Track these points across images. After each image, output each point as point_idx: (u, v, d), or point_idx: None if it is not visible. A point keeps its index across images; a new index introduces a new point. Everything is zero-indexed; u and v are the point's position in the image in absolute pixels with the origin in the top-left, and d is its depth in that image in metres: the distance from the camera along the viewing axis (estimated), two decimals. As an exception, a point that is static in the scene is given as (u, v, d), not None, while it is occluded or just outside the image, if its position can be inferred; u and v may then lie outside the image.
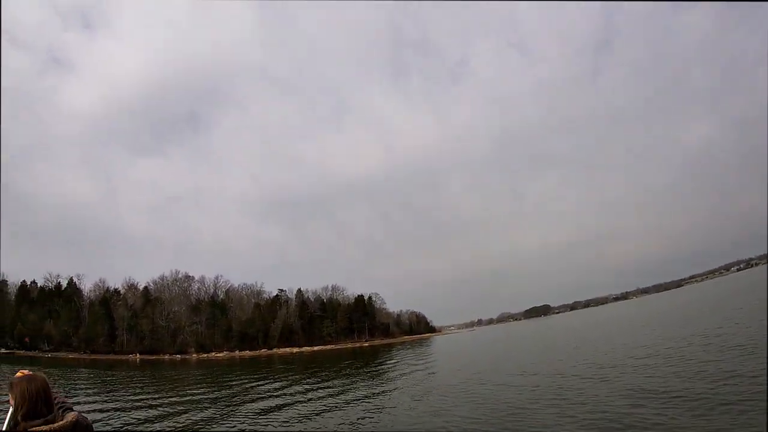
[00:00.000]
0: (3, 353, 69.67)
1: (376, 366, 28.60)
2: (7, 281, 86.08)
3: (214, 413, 12.26)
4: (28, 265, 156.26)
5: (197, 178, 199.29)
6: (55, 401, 2.59)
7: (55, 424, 2.32)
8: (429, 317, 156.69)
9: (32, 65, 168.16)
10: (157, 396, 18.11)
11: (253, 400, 14.67)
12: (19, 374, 2.53)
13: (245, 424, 10.63)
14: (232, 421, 11.02)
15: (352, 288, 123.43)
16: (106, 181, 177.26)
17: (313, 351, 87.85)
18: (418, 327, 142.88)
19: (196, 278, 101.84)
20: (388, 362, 31.23)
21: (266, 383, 22.41)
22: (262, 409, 12.87)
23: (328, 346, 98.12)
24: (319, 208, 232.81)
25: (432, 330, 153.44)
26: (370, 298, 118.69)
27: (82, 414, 2.55)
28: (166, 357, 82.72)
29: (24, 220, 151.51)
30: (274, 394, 16.91)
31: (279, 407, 12.70)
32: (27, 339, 77.73)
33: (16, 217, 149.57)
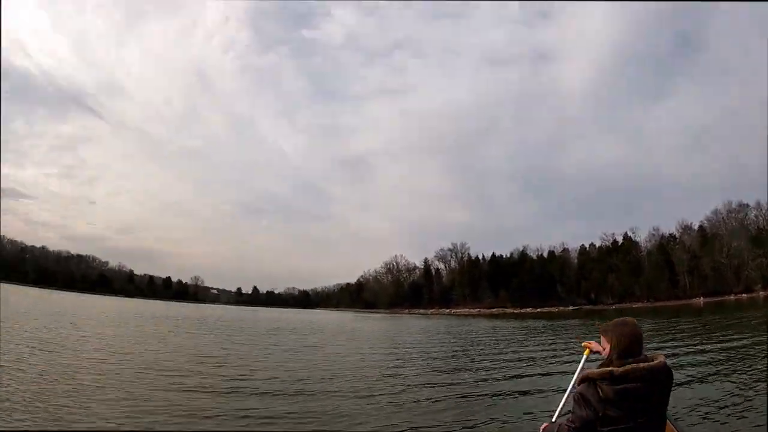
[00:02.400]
0: (571, 309, 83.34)
1: None
2: (568, 248, 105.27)
3: None
4: (583, 233, 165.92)
5: (718, 99, 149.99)
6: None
7: (654, 363, 2.48)
8: None
9: (522, 71, 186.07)
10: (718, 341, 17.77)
11: None
12: (612, 321, 2.74)
13: None
14: None
15: None
16: (629, 137, 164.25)
17: None
18: None
19: (752, 205, 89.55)
20: None
21: None
22: None
23: None
24: None
25: None
26: None
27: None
28: (732, 297, 78.03)
29: (570, 196, 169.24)
30: None
31: None
32: (592, 294, 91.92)
33: (562, 194, 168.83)
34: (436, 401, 9.15)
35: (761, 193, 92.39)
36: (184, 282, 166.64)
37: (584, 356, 3.38)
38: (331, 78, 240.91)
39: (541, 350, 18.69)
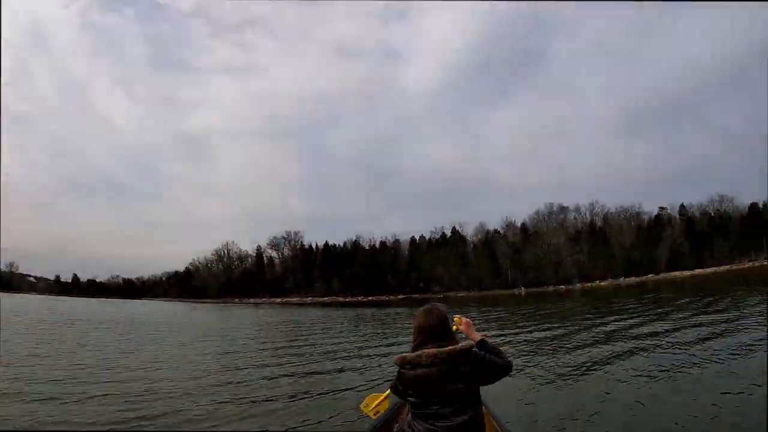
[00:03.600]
0: (401, 298, 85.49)
1: None
2: (399, 240, 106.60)
3: (605, 348, 11.89)
4: (414, 224, 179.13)
5: (548, 110, 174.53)
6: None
7: (443, 349, 2.53)
8: None
9: (370, 66, 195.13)
10: (543, 328, 18.78)
11: (644, 335, 13.65)
12: (423, 307, 2.81)
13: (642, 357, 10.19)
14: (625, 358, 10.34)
15: (743, 196, 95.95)
16: (465, 138, 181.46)
17: (705, 273, 76.89)
18: None
19: (571, 208, 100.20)
20: None
21: (650, 314, 21.03)
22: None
23: (722, 267, 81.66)
24: (682, 113, 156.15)
25: None
26: (765, 205, 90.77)
27: (489, 346, 2.75)
28: (550, 288, 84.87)
29: (404, 191, 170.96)
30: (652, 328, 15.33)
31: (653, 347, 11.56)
32: (421, 284, 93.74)
33: (397, 187, 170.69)
34: (269, 396, 8.63)
35: (580, 198, 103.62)
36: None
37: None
38: (176, 47, 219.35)
39: (369, 336, 19.39)
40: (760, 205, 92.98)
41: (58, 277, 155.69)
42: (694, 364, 9.13)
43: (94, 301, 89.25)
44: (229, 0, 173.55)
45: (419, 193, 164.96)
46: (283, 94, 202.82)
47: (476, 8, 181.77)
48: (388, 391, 2.96)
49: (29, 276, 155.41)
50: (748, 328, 13.14)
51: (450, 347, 2.54)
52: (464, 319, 3.10)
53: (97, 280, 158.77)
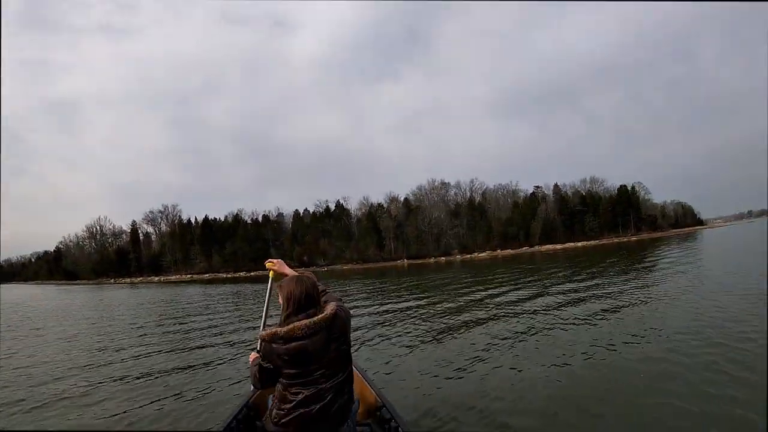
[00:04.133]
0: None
1: (643, 264, 25.37)
2: (283, 213, 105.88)
3: (481, 313, 12.33)
4: (298, 199, 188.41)
5: (434, 90, 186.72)
6: (322, 293, 2.89)
7: (315, 318, 2.53)
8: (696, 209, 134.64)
9: (257, 34, 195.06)
10: (423, 296, 19.11)
11: (522, 299, 14.45)
12: (292, 276, 2.78)
13: (520, 320, 10.63)
14: (502, 319, 10.88)
15: (611, 179, 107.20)
16: (351, 113, 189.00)
17: (576, 247, 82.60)
18: (684, 220, 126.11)
19: (452, 184, 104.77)
20: (657, 260, 27.12)
21: (530, 280, 21.91)
22: (531, 308, 12.39)
23: (592, 242, 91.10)
24: (560, 99, 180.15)
25: (700, 223, 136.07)
26: (633, 188, 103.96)
27: (342, 306, 2.76)
28: (432, 260, 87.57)
29: (289, 163, 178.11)
30: (538, 291, 16.44)
31: (548, 307, 12.16)
32: (305, 258, 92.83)
33: (281, 161, 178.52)
34: (146, 378, 7.91)
35: (461, 175, 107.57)
36: None
37: (270, 278, 3.54)
38: (49, 5, 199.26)
39: (248, 311, 18.48)
40: (628, 188, 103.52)
41: None
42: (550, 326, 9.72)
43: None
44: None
45: (303, 168, 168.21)
46: (161, 59, 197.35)
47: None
48: None
49: None
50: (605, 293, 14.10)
51: (321, 315, 2.57)
52: (276, 260, 3.39)
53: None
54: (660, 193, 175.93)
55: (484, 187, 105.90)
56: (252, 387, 3.39)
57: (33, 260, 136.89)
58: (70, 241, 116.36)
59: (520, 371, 6.56)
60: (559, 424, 4.70)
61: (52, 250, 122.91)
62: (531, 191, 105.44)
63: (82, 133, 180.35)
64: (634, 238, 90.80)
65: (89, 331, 15.17)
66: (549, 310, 11.93)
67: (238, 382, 6.99)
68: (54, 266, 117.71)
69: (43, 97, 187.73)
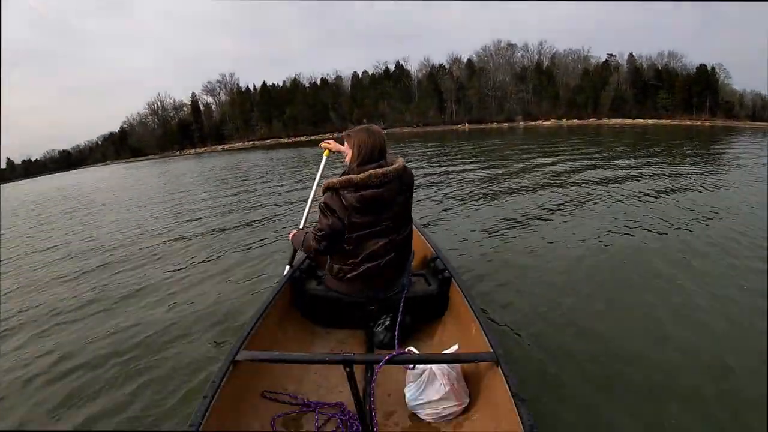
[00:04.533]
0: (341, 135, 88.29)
1: (713, 153, 21.87)
2: (341, 76, 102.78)
3: (535, 179, 12.20)
4: (357, 60, 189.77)
5: None
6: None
7: (390, 167, 2.50)
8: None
9: None
10: (480, 161, 18.78)
11: (579, 169, 13.87)
12: (362, 126, 2.67)
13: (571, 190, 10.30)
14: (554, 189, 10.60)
15: (690, 56, 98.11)
16: None
17: (646, 124, 77.17)
18: (762, 113, 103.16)
19: (519, 46, 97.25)
20: (730, 151, 23.20)
21: (592, 154, 20.45)
22: (589, 179, 11.91)
23: (663, 120, 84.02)
24: None
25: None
26: (713, 69, 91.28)
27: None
28: (494, 125, 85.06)
29: (346, 26, 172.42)
30: (599, 166, 15.38)
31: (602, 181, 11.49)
32: (364, 120, 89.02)
33: (337, 23, 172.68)
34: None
35: (529, 37, 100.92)
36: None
37: (324, 157, 3.62)
38: None
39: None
40: (708, 68, 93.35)
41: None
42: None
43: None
44: None
45: (362, 30, 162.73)
46: None
47: None
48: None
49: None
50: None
51: (395, 165, 2.54)
52: (331, 140, 3.44)
53: (32, 159, 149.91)
54: (741, 80, 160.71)
55: (554, 51, 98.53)
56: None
57: (99, 143, 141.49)
58: (134, 120, 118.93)
59: (564, 237, 6.42)
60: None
61: (116, 131, 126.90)
62: (603, 59, 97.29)
63: (128, 11, 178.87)
64: (707, 123, 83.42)
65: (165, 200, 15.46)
66: (605, 183, 11.23)
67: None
68: (120, 146, 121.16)
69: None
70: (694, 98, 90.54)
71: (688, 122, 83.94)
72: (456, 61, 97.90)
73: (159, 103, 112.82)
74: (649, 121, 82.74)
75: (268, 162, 30.67)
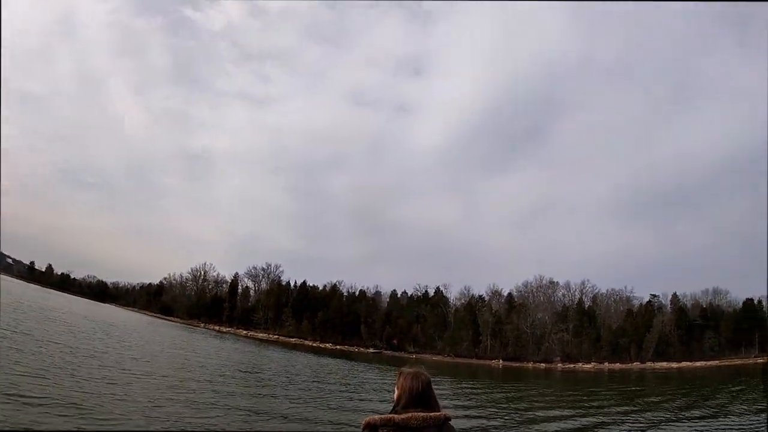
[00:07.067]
0: (371, 352, 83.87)
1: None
2: (381, 292, 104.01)
3: None
4: (399, 279, 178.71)
5: (551, 186, 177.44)
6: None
7: (432, 414, 2.61)
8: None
9: (380, 118, 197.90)
10: (516, 414, 18.53)
11: None
12: (408, 368, 2.86)
13: None
14: None
15: (735, 291, 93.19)
16: (465, 202, 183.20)
17: (694, 367, 75.44)
18: None
19: (561, 284, 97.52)
20: None
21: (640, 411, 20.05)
22: None
23: (711, 362, 79.67)
24: (683, 201, 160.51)
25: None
26: (759, 302, 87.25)
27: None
28: (530, 365, 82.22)
29: (396, 244, 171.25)
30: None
31: None
32: (395, 341, 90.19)
33: (389, 240, 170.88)
34: None
35: (571, 276, 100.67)
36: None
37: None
38: (198, 66, 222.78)
39: (331, 393, 18.32)
40: (755, 302, 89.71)
41: (32, 263, 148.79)
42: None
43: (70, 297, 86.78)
44: (258, 28, 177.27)
45: (409, 250, 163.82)
46: (292, 129, 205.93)
47: (489, 78, 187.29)
48: None
49: (8, 257, 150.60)
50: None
51: (437, 413, 2.65)
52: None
53: (71, 276, 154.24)
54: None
55: (596, 290, 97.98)
56: None
57: (137, 288, 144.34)
58: (174, 279, 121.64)
59: None
60: None
61: (155, 283, 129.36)
62: (647, 299, 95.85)
63: (207, 182, 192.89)
64: (760, 360, 78.73)
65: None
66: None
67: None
68: (153, 299, 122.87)
69: (181, 146, 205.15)
70: (743, 335, 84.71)
71: (738, 361, 78.74)
72: (496, 293, 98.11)
73: (203, 272, 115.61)
74: (697, 364, 78.83)
75: (289, 367, 30.04)
